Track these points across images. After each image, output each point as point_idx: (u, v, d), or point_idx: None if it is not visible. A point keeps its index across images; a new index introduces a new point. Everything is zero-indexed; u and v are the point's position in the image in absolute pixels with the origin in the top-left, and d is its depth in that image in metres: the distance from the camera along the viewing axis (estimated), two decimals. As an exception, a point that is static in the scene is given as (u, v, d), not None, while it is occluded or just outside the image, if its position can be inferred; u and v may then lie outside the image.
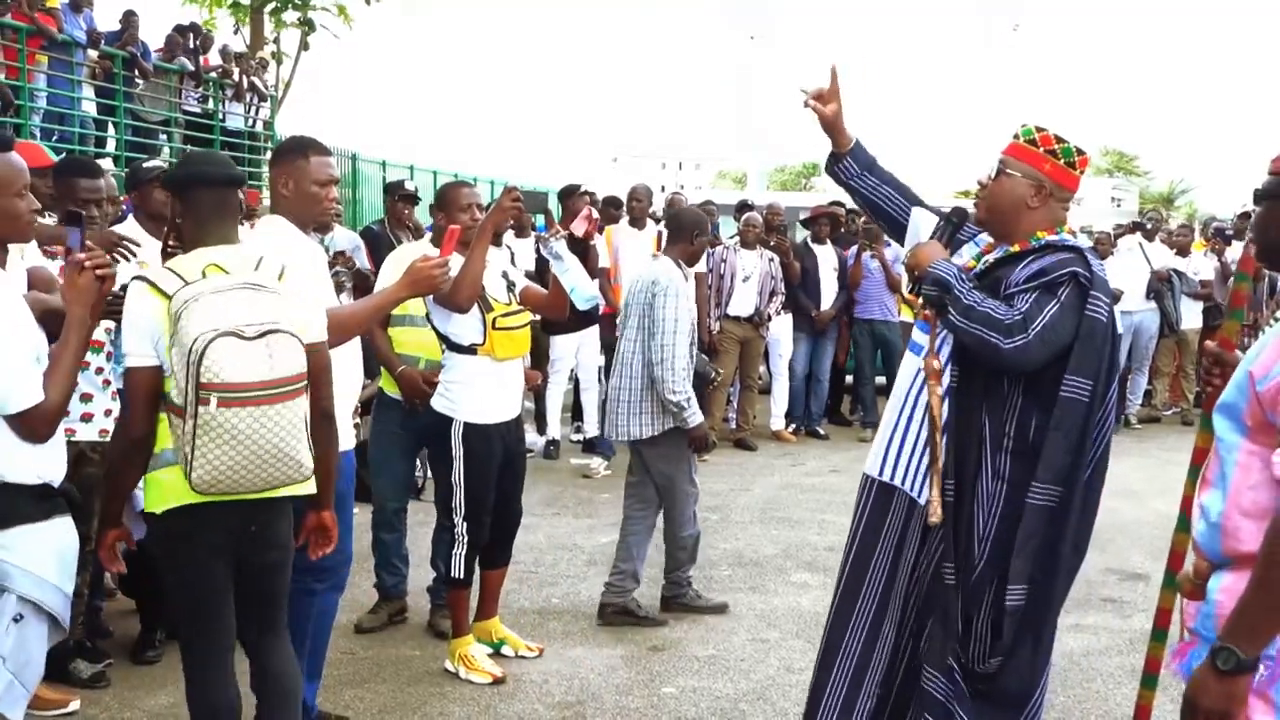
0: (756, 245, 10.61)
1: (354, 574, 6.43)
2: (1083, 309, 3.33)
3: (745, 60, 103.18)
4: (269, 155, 14.00)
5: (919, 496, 3.59)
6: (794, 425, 11.34)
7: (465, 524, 5.16)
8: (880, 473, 3.74)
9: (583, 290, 5.26)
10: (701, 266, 10.08)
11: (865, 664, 3.73)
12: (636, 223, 10.29)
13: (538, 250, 6.14)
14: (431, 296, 4.82)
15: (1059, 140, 3.49)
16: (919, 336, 3.74)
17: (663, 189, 35.49)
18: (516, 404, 5.30)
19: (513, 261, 6.37)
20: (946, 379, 3.55)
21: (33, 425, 3.06)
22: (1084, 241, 3.67)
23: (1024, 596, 3.45)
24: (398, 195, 9.31)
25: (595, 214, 10.16)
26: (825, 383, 11.55)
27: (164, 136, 15.41)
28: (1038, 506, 3.40)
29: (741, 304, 10.49)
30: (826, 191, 22.54)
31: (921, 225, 3.88)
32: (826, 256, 11.23)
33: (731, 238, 11.30)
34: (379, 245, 8.73)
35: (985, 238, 3.72)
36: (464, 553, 5.17)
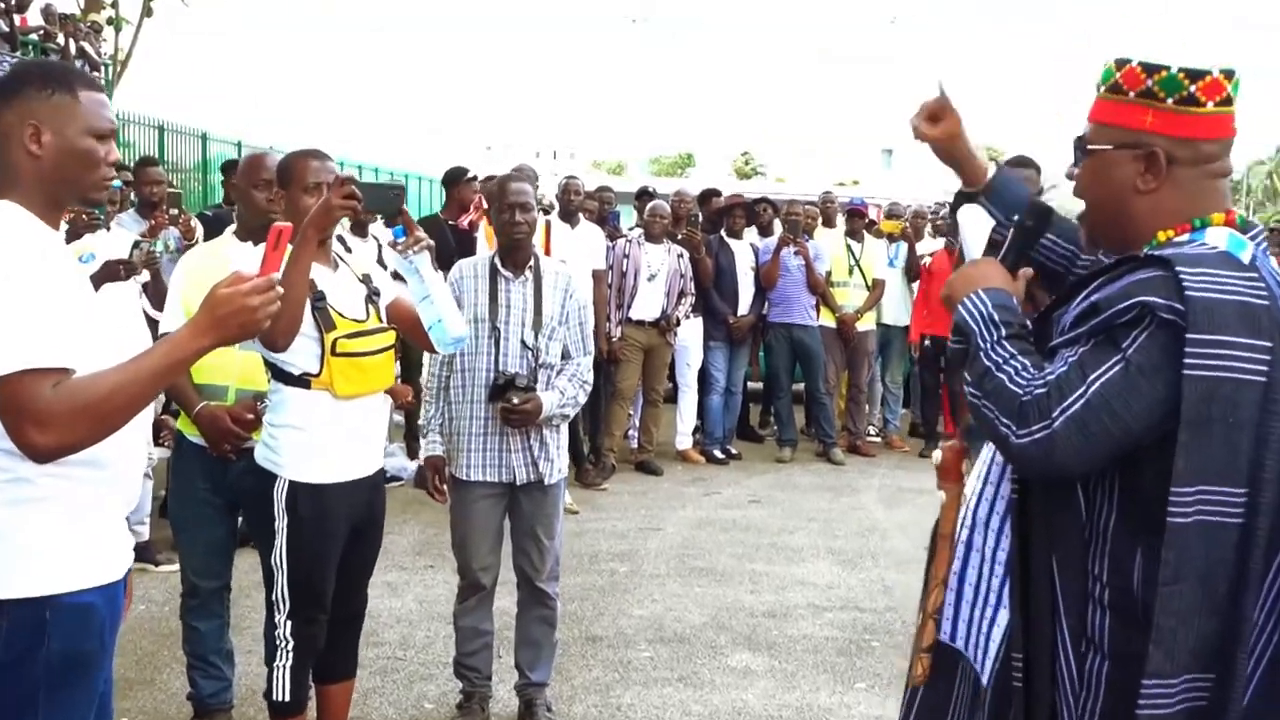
0: (663, 239, 9.19)
1: (163, 673, 4.89)
2: (1179, 366, 1.89)
3: (625, 44, 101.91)
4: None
5: (982, 669, 2.23)
6: (715, 446, 9.96)
7: (289, 624, 3.68)
8: (938, 629, 2.39)
9: (449, 325, 3.67)
10: (601, 263, 8.69)
11: None
12: (570, 218, 8.79)
13: (383, 263, 4.58)
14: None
15: (1152, 70, 2.08)
16: None
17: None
18: (373, 456, 3.83)
19: (380, 260, 4.86)
20: (994, 479, 2.25)
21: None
22: (1242, 244, 2.06)
23: None
24: (232, 174, 7.67)
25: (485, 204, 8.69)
26: (739, 395, 10.19)
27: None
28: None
29: (646, 306, 9.06)
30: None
31: (971, 233, 2.57)
32: (743, 252, 9.86)
33: (633, 229, 9.89)
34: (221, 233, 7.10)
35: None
36: (289, 665, 3.70)
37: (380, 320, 3.77)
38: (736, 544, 7.30)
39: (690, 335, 9.61)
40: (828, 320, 10.06)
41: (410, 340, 3.94)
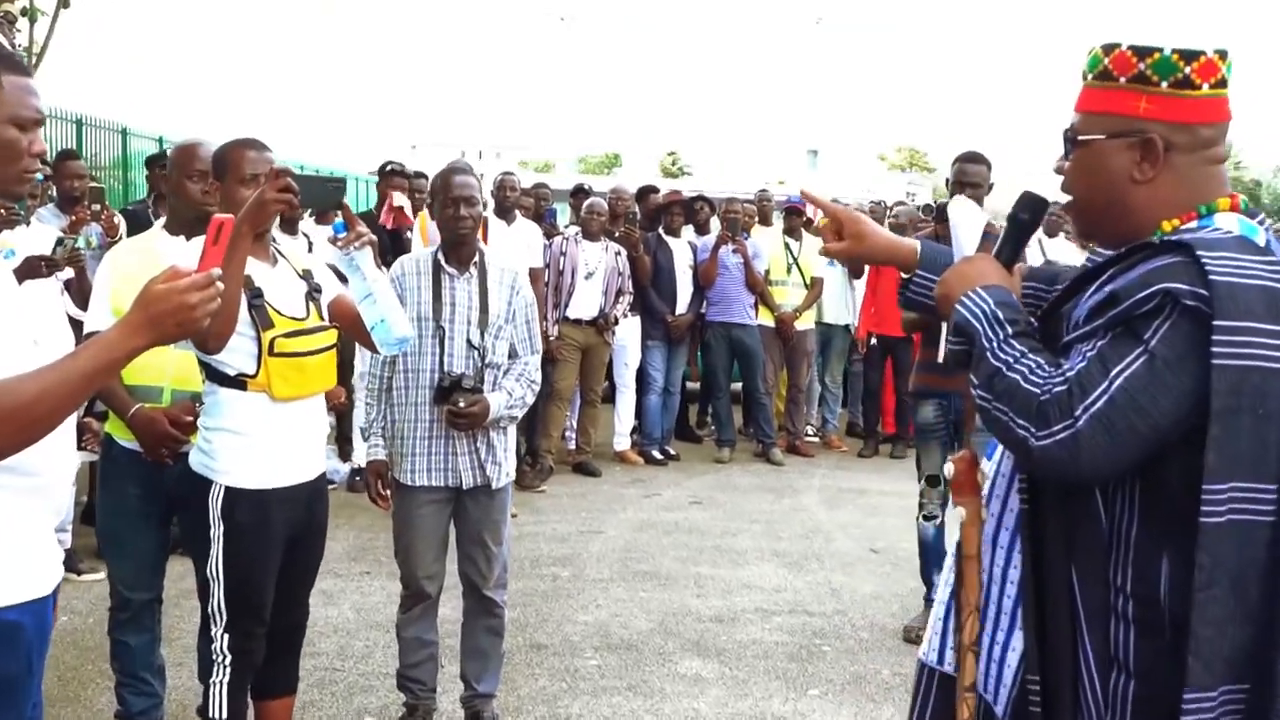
0: (600, 236, 9.04)
1: (88, 689, 4.66)
2: (1205, 356, 1.76)
3: (553, 43, 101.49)
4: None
5: (996, 698, 2.08)
6: (654, 447, 9.80)
7: (226, 638, 3.49)
8: (940, 659, 2.27)
9: (393, 325, 3.53)
10: (538, 261, 8.53)
11: None
12: (506, 215, 8.59)
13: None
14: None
15: (1143, 54, 1.96)
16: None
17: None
18: (314, 460, 3.66)
19: (310, 250, 4.66)
20: (1000, 493, 2.11)
21: None
22: (1254, 228, 1.96)
23: None
24: (159, 167, 7.48)
25: (404, 201, 8.48)
26: (678, 395, 10.06)
27: None
28: None
29: (584, 305, 8.90)
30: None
31: (964, 228, 2.47)
32: (681, 250, 9.73)
33: (569, 226, 9.72)
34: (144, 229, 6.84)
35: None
36: (225, 681, 3.52)
37: (321, 318, 3.59)
38: (680, 547, 7.17)
39: (628, 334, 9.46)
40: (766, 319, 9.95)
41: (353, 339, 3.76)
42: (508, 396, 4.26)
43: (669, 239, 9.71)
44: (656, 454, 9.71)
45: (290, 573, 3.64)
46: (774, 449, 9.87)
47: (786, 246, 10.08)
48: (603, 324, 8.97)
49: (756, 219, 10.40)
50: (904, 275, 2.38)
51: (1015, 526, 2.05)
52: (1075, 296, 2.00)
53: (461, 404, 4.15)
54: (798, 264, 10.05)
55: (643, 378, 9.66)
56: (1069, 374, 1.84)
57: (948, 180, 5.58)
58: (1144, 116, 1.97)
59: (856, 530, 7.69)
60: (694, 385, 10.75)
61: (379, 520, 6.79)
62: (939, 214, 5.48)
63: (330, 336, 3.61)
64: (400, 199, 8.46)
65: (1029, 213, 2.18)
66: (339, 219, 3.54)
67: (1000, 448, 2.09)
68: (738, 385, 10.31)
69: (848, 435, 10.93)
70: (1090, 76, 2.03)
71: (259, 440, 3.45)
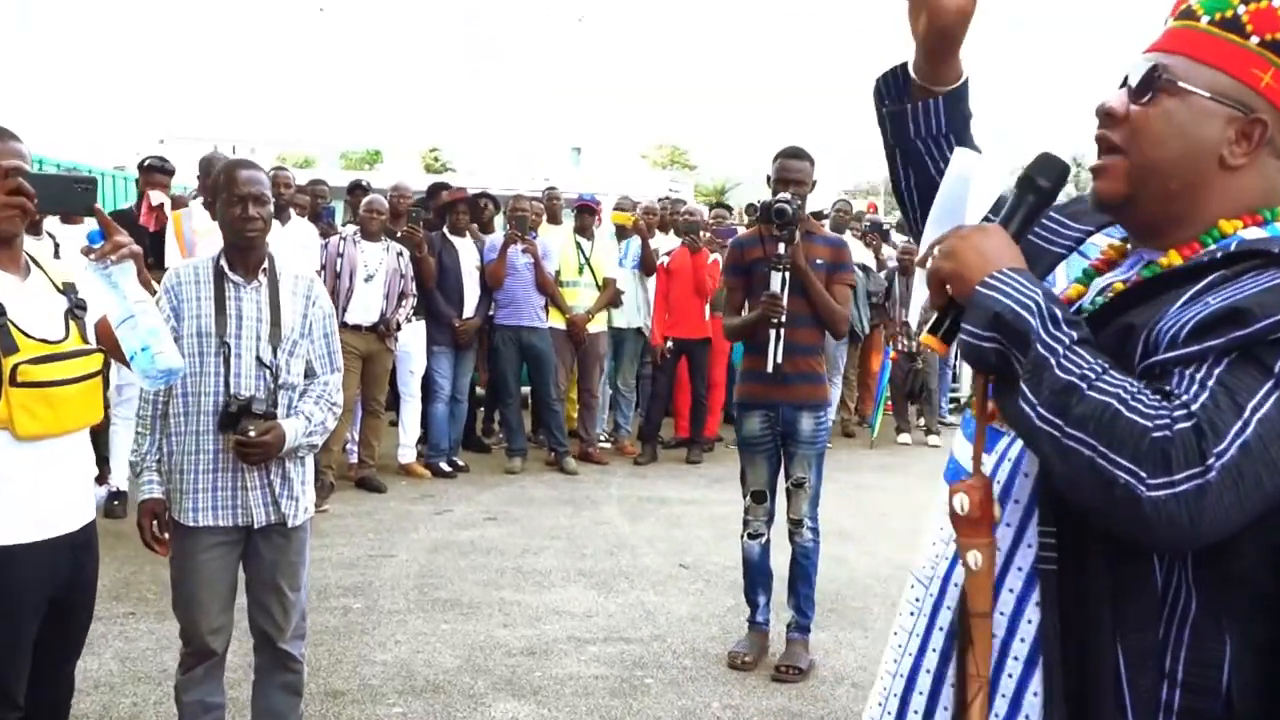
0: (381, 236, 8.45)
1: None
2: None
3: (312, 34, 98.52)
4: None
5: None
6: (441, 458, 9.24)
7: None
8: None
9: (158, 354, 2.83)
10: (314, 263, 7.92)
11: None
12: (280, 213, 7.84)
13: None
14: None
15: None
16: (959, 449, 1.84)
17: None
18: (76, 509, 3.08)
19: (58, 257, 3.99)
20: (1010, 521, 1.66)
21: None
22: None
23: None
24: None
25: (164, 199, 7.73)
26: (465, 403, 9.53)
27: None
28: None
29: (364, 309, 8.30)
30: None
31: (959, 189, 1.79)
32: (468, 251, 9.21)
33: (347, 225, 9.09)
34: None
35: (1106, 235, 1.82)
36: None
37: (85, 340, 3.00)
38: (479, 569, 6.68)
39: (412, 340, 8.88)
40: (557, 322, 9.54)
41: (122, 365, 3.17)
42: (306, 422, 3.72)
43: (454, 239, 9.18)
44: (444, 466, 9.17)
45: (51, 643, 3.05)
46: (567, 457, 9.47)
47: (578, 246, 9.68)
48: (384, 330, 8.38)
49: (545, 217, 9.97)
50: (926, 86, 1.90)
51: (1028, 580, 1.63)
52: (1146, 306, 1.57)
53: (252, 432, 3.58)
54: (589, 264, 9.66)
55: (428, 386, 9.11)
56: (1193, 406, 1.41)
57: (769, 177, 5.27)
58: (1263, 93, 1.59)
59: (662, 544, 7.34)
60: (481, 390, 10.26)
61: (143, 551, 6.11)
62: (763, 213, 5.15)
63: (94, 362, 3.02)
64: (159, 197, 7.71)
65: (1049, 179, 1.72)
66: (95, 227, 2.93)
67: (1008, 445, 1.66)
68: (526, 390, 9.88)
69: (639, 440, 10.61)
70: (1206, 18, 1.62)
71: (2, 489, 2.85)
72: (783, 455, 5.25)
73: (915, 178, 1.96)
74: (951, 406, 12.99)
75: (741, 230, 7.76)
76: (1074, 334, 1.50)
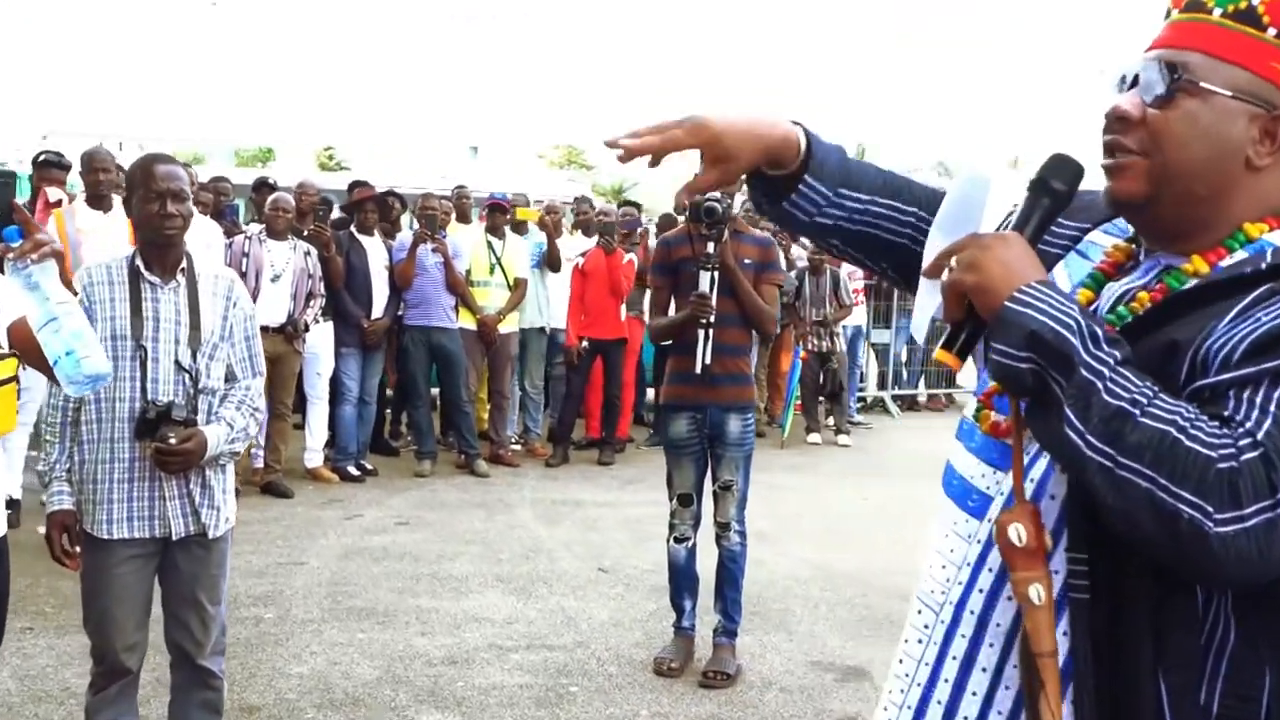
0: (288, 235, 8.23)
1: None
2: None
3: (202, 28, 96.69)
4: None
5: None
6: (349, 462, 9.04)
7: None
8: None
9: (84, 359, 2.61)
10: (220, 262, 7.66)
11: None
12: (101, 201, 7.53)
13: None
14: None
15: None
16: (961, 462, 1.73)
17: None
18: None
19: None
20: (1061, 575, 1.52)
21: None
22: None
23: None
24: None
25: (61, 195, 7.43)
26: (374, 405, 9.33)
27: None
28: None
29: (270, 310, 8.03)
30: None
31: (972, 193, 1.74)
32: (376, 250, 9.01)
33: (251, 224, 8.85)
34: None
35: (1105, 233, 1.70)
36: None
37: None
38: (393, 576, 6.53)
39: (320, 342, 8.66)
40: (468, 322, 9.38)
41: (39, 371, 2.99)
42: (228, 429, 3.56)
43: (363, 238, 8.98)
44: (353, 469, 8.96)
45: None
46: (478, 460, 9.31)
47: (489, 245, 9.52)
48: (291, 331, 8.17)
49: (455, 216, 9.81)
50: (778, 175, 1.77)
51: (1058, 605, 1.51)
52: (1177, 321, 1.47)
53: (172, 439, 3.42)
54: (501, 264, 9.52)
55: (336, 387, 8.90)
56: (1258, 435, 1.31)
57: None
58: None
59: (580, 548, 7.24)
60: (390, 392, 10.07)
61: (42, 560, 5.85)
62: (693, 212, 5.07)
63: (8, 367, 2.84)
64: (57, 193, 7.40)
65: (1065, 181, 1.60)
66: (12, 224, 2.75)
67: (1029, 463, 1.55)
68: (437, 392, 9.72)
69: (550, 441, 10.49)
70: (1219, 10, 1.52)
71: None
72: (710, 458, 5.19)
73: (867, 243, 1.86)
74: (859, 406, 13.05)
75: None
76: (1117, 353, 1.40)
